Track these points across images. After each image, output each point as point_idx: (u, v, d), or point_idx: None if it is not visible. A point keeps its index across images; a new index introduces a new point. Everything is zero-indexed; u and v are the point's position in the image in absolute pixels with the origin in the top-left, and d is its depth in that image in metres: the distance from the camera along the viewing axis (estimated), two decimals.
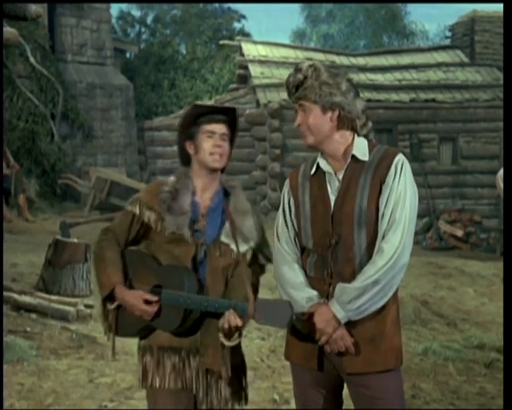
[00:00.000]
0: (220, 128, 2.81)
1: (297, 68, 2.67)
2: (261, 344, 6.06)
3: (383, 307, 2.59)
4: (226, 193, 2.89)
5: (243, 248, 2.80)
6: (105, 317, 2.82)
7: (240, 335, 2.69)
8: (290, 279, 2.67)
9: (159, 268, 2.76)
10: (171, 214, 2.75)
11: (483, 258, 12.67)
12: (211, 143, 2.79)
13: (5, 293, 6.52)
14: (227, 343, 2.67)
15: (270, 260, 2.87)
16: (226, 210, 2.82)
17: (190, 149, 2.84)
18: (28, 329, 6.15)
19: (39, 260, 7.91)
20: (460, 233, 14.81)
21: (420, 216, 15.72)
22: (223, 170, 2.91)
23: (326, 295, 2.62)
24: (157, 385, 2.76)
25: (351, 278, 2.57)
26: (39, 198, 15.46)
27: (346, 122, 2.65)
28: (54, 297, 6.95)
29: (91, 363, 5.43)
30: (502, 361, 5.62)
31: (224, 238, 2.79)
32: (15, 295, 6.72)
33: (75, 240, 7.71)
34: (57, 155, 16.13)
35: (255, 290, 2.78)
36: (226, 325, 2.61)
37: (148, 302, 2.68)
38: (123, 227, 2.83)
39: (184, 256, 2.75)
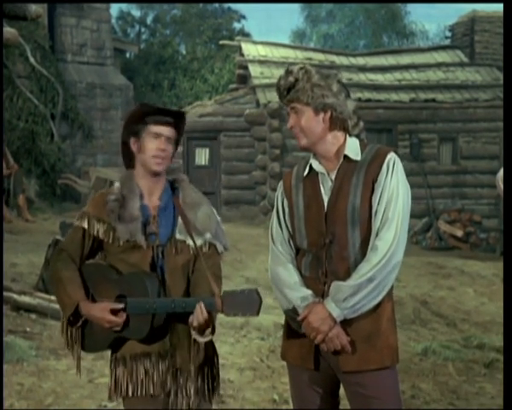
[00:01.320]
0: (167, 131, 2.75)
1: (288, 71, 2.68)
2: (261, 344, 6.06)
3: (378, 305, 2.60)
4: (174, 188, 2.84)
5: (199, 241, 2.76)
6: (68, 336, 2.77)
7: (213, 331, 2.65)
8: (285, 279, 2.68)
9: (119, 278, 2.71)
10: (122, 223, 2.69)
11: (483, 258, 12.67)
12: (156, 145, 2.73)
13: (5, 293, 6.52)
14: (200, 339, 2.64)
15: (226, 247, 2.86)
16: (176, 206, 2.78)
17: (134, 146, 2.78)
18: (28, 329, 6.15)
19: (39, 260, 7.91)
20: (460, 233, 14.82)
21: (420, 216, 15.78)
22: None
23: (321, 295, 2.63)
24: (131, 393, 2.73)
25: (345, 276, 2.59)
26: (39, 198, 15.47)
27: (338, 123, 2.67)
28: (53, 297, 6.94)
29: (91, 363, 5.42)
30: (501, 361, 5.62)
31: (178, 235, 2.75)
32: (15, 296, 6.72)
33: None
34: (57, 155, 16.14)
35: (219, 282, 2.74)
36: (195, 323, 2.57)
37: (114, 312, 2.63)
38: (75, 244, 2.76)
39: (141, 262, 2.71)
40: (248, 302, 2.50)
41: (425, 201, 15.51)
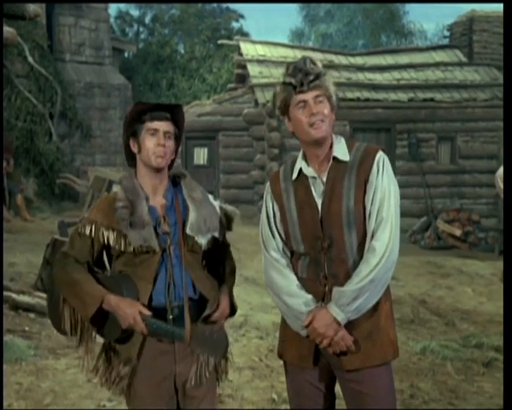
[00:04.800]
0: (164, 126, 2.72)
1: (311, 60, 2.63)
2: (259, 343, 6.06)
3: (377, 303, 2.62)
4: (175, 183, 2.83)
5: (207, 236, 2.76)
6: (83, 331, 2.81)
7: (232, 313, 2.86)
8: (284, 287, 2.66)
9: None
10: (134, 229, 2.66)
11: (481, 257, 12.68)
12: (154, 141, 2.71)
13: (4, 292, 6.51)
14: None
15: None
16: (181, 202, 2.78)
17: (134, 147, 2.77)
18: (26, 328, 6.14)
19: (37, 259, 7.90)
20: (458, 233, 14.82)
21: (418, 215, 15.76)
22: (170, 166, 2.84)
23: (322, 297, 2.63)
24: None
25: (345, 278, 2.60)
26: (37, 198, 15.45)
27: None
28: None
29: (90, 363, 5.41)
30: (500, 361, 5.62)
31: (189, 231, 2.74)
32: (14, 295, 6.71)
33: None
34: (55, 155, 16.13)
35: (231, 283, 2.91)
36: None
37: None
38: (84, 251, 2.73)
39: (152, 264, 2.70)
40: (216, 344, 2.65)
41: (423, 200, 15.51)
